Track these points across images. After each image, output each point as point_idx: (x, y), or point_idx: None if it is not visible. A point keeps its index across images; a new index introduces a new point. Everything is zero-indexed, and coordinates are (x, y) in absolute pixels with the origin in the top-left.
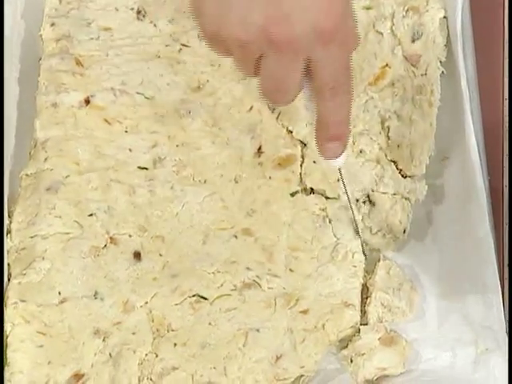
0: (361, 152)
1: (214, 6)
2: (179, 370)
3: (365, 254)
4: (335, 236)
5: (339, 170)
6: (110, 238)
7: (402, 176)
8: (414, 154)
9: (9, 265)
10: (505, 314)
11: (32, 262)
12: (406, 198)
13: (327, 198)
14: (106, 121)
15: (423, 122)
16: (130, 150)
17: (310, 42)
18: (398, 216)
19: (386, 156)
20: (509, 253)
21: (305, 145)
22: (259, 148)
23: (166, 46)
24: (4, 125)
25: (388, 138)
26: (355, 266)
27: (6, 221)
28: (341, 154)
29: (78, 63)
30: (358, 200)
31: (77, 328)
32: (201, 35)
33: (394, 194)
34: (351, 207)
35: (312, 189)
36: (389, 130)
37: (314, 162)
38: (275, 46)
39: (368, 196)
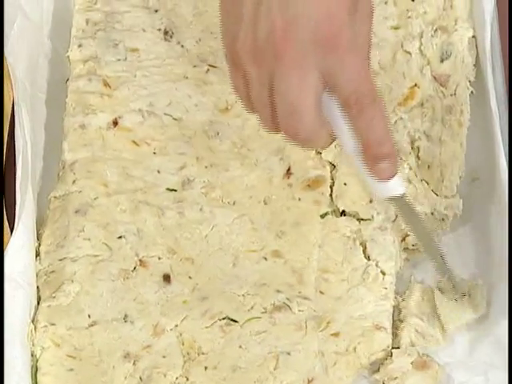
0: None
1: (230, 20)
2: None
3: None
4: (370, 257)
5: (397, 203)
6: (140, 260)
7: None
8: (444, 174)
9: (38, 288)
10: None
11: (61, 285)
12: (444, 215)
13: (361, 219)
14: (134, 142)
15: (453, 142)
16: (159, 171)
17: (314, 52)
18: None
19: (416, 176)
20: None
21: (334, 166)
22: (288, 169)
23: (194, 66)
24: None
25: (418, 158)
26: (386, 288)
27: (35, 243)
28: (395, 173)
29: (106, 84)
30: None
31: (107, 351)
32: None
33: (432, 213)
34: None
35: (343, 211)
36: (419, 150)
37: (345, 184)
38: (280, 58)
39: None
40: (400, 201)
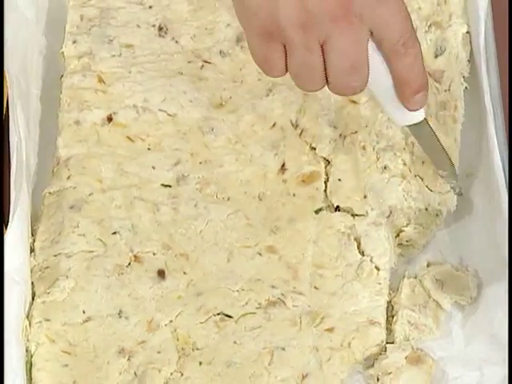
0: (385, 168)
1: None
2: None
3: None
4: (364, 253)
5: (416, 128)
6: (134, 256)
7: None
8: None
9: (33, 283)
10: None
11: (56, 281)
12: (438, 210)
13: (355, 215)
14: (129, 138)
15: (447, 138)
16: (153, 167)
17: (366, 6)
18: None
19: (410, 171)
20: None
21: (328, 162)
22: (283, 165)
23: (188, 62)
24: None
25: (412, 153)
26: (380, 284)
27: (30, 239)
28: (426, 103)
29: (100, 80)
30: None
31: (101, 347)
32: (249, 35)
33: (426, 209)
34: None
35: (337, 206)
36: (413, 145)
37: (339, 179)
38: (336, 20)
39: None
40: (420, 126)
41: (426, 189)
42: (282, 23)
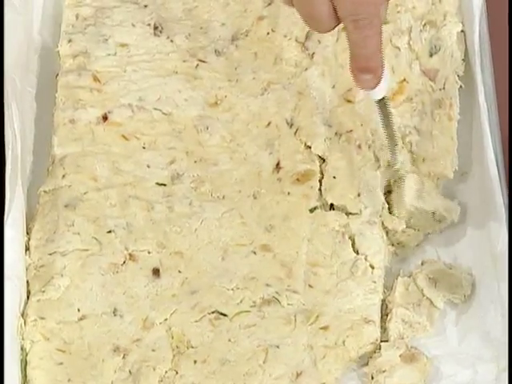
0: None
1: None
2: None
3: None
4: (359, 251)
5: (377, 104)
6: (129, 254)
7: None
8: (438, 168)
9: (28, 282)
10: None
11: (51, 279)
12: (443, 217)
13: (349, 213)
14: (124, 137)
15: (444, 136)
16: (148, 166)
17: None
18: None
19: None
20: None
21: (323, 160)
22: (277, 163)
23: (183, 61)
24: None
25: (412, 152)
26: (375, 282)
27: (25, 238)
28: (375, 87)
29: (96, 79)
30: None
31: (96, 345)
32: None
33: (433, 213)
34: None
35: (332, 205)
36: (411, 145)
37: (334, 177)
38: None
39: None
40: (380, 103)
41: (436, 191)
42: None
